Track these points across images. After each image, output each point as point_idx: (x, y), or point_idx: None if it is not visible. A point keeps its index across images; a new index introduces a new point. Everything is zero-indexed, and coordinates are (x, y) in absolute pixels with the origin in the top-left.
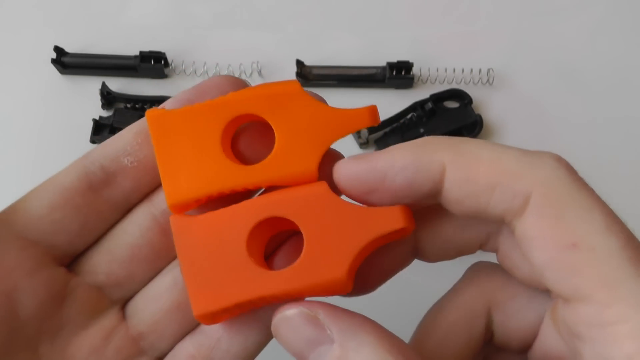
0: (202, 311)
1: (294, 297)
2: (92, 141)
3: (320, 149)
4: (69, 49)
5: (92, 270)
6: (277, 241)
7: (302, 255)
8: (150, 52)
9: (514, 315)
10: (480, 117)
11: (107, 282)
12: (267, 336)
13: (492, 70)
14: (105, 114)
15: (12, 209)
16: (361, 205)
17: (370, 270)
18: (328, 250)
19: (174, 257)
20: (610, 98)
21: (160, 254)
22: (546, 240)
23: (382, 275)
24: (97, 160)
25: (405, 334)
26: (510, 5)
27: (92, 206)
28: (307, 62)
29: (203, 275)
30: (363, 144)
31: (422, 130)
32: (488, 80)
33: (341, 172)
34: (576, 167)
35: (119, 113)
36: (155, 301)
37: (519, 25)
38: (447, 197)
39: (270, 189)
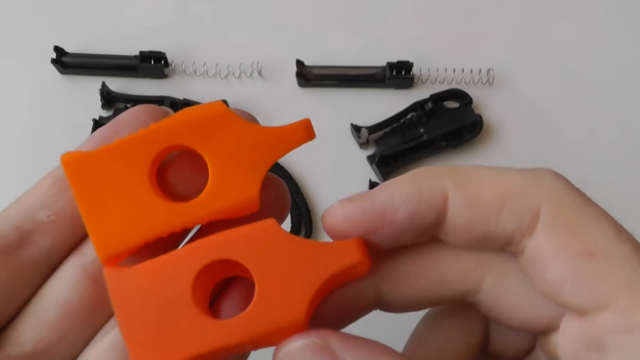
0: None
1: (248, 348)
2: None
3: (259, 174)
4: (69, 49)
5: (17, 342)
6: (218, 288)
7: (254, 299)
8: (150, 52)
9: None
10: (480, 117)
11: (35, 351)
12: None
13: (492, 70)
14: (105, 114)
15: None
16: (311, 240)
17: (329, 311)
18: (282, 292)
19: (112, 312)
20: (610, 98)
21: (95, 310)
22: (563, 252)
23: (341, 320)
24: (9, 220)
25: (396, 341)
26: (510, 5)
27: (9, 271)
28: (307, 62)
29: (145, 332)
30: (363, 144)
31: (422, 130)
32: (488, 80)
33: (334, 216)
34: (576, 166)
35: (118, 113)
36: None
37: (519, 25)
38: (451, 224)
39: (210, 225)
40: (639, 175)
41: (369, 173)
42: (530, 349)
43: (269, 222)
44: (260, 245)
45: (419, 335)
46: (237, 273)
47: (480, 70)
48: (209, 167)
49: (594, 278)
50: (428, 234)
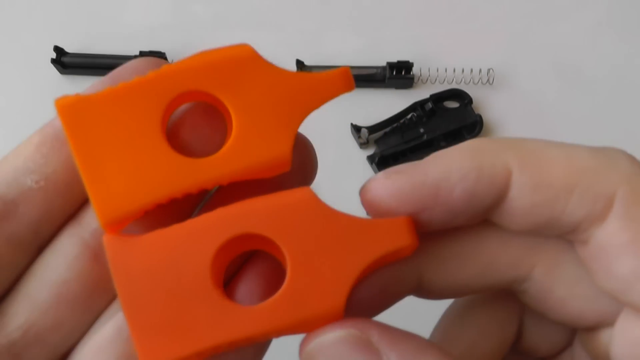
0: None
1: (272, 337)
2: None
3: (292, 127)
4: (69, 49)
5: (3, 329)
6: (234, 264)
7: (286, 283)
8: (150, 52)
9: (548, 321)
10: (480, 117)
11: (25, 340)
12: None
13: (492, 70)
14: None
15: None
16: (354, 216)
17: (365, 298)
18: (319, 276)
19: (116, 293)
20: (611, 98)
21: (96, 290)
22: (632, 243)
23: (378, 306)
24: None
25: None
26: (510, 5)
27: None
28: (307, 62)
29: (154, 317)
30: (363, 144)
31: (422, 130)
32: (488, 80)
33: (378, 190)
34: None
35: None
36: (96, 358)
37: (519, 25)
38: (512, 207)
39: (232, 187)
40: None
41: (369, 173)
42: (566, 346)
43: (306, 192)
44: (295, 219)
45: (446, 329)
46: (261, 248)
47: (480, 70)
48: (233, 117)
49: None
50: (483, 216)
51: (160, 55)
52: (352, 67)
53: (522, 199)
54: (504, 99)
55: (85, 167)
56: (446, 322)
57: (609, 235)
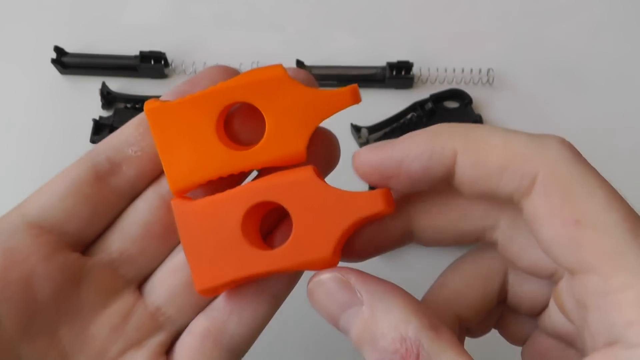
0: (203, 287)
1: (285, 273)
2: (92, 141)
3: (307, 131)
4: (69, 49)
5: (105, 250)
6: (276, 219)
7: (291, 236)
8: (150, 52)
9: (527, 279)
10: (480, 117)
11: (120, 259)
12: (274, 307)
13: (492, 70)
14: (105, 114)
15: (27, 201)
16: (343, 190)
17: (363, 242)
18: (314, 232)
19: None
20: (611, 98)
21: (171, 231)
22: (552, 218)
23: (375, 250)
24: (103, 152)
25: None
26: (510, 5)
27: (101, 194)
28: (307, 62)
29: (203, 254)
30: (363, 144)
31: None
32: (488, 80)
33: (360, 160)
34: None
35: (119, 113)
36: (170, 277)
37: (519, 25)
38: (459, 180)
39: (264, 170)
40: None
41: None
42: (547, 304)
43: (308, 170)
44: (298, 190)
45: (441, 278)
46: (278, 208)
47: (480, 70)
48: (266, 122)
49: (578, 244)
50: (441, 184)
51: (161, 55)
52: (352, 67)
53: (464, 175)
54: (504, 99)
55: (163, 152)
56: (443, 273)
57: (532, 208)
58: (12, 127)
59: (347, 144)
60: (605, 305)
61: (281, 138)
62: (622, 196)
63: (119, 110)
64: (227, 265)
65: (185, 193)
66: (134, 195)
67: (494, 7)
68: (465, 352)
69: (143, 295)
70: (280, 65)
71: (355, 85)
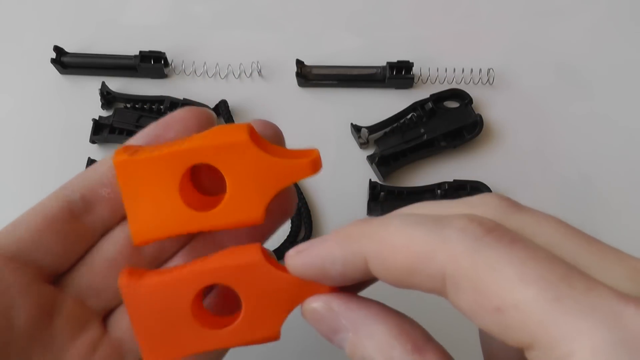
0: None
1: (228, 349)
2: (92, 141)
3: (266, 198)
4: (69, 49)
5: (76, 283)
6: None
7: (241, 317)
8: (150, 52)
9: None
10: (480, 117)
11: (88, 292)
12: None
13: (492, 70)
14: (105, 114)
15: (2, 232)
16: (290, 275)
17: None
18: (262, 313)
19: None
20: (611, 97)
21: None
22: (475, 311)
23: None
24: (78, 190)
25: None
26: (510, 5)
27: (74, 232)
28: (307, 62)
29: (152, 333)
30: (363, 144)
31: (422, 130)
32: (488, 80)
33: (289, 265)
34: (576, 166)
35: (118, 113)
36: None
37: (519, 25)
38: (378, 277)
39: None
40: (639, 174)
41: (369, 173)
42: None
43: (256, 253)
44: (247, 273)
45: None
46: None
47: (480, 70)
48: (227, 185)
49: (508, 328)
50: (365, 279)
51: (160, 55)
52: (352, 67)
53: (380, 276)
54: (504, 99)
55: (127, 204)
56: None
57: (454, 303)
58: (12, 126)
59: (347, 144)
60: None
61: (240, 203)
62: (540, 247)
63: (118, 110)
64: (177, 344)
65: (146, 244)
66: (105, 232)
67: (494, 7)
68: None
69: (107, 327)
70: (245, 128)
71: (316, 154)
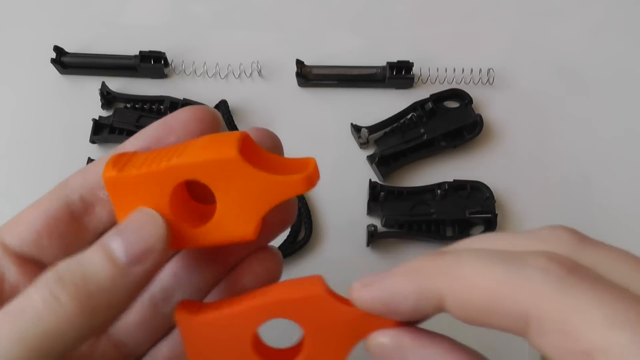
0: None
1: None
2: (92, 141)
3: (258, 215)
4: (69, 49)
5: None
6: None
7: (303, 351)
8: (150, 52)
9: None
10: (480, 117)
11: None
12: None
13: (492, 70)
14: (105, 113)
15: (4, 228)
16: (354, 308)
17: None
18: (325, 347)
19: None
20: (610, 97)
21: None
22: (560, 354)
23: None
24: (77, 190)
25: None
26: (510, 5)
27: (74, 233)
28: (307, 62)
29: None
30: (363, 144)
31: (422, 130)
32: (488, 80)
33: (356, 298)
34: (576, 166)
35: (118, 113)
36: (131, 314)
37: (519, 25)
38: (452, 315)
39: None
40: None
41: (369, 173)
42: None
43: (318, 285)
44: (309, 307)
45: None
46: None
47: (480, 70)
48: (217, 202)
49: None
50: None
51: (160, 55)
52: (352, 67)
53: (456, 314)
54: (504, 99)
55: (119, 217)
56: None
57: (537, 345)
58: (12, 126)
59: (347, 143)
60: None
61: (230, 220)
62: (622, 288)
63: (118, 110)
64: None
65: None
66: (102, 232)
67: (494, 7)
68: None
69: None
70: (235, 142)
71: (312, 167)
